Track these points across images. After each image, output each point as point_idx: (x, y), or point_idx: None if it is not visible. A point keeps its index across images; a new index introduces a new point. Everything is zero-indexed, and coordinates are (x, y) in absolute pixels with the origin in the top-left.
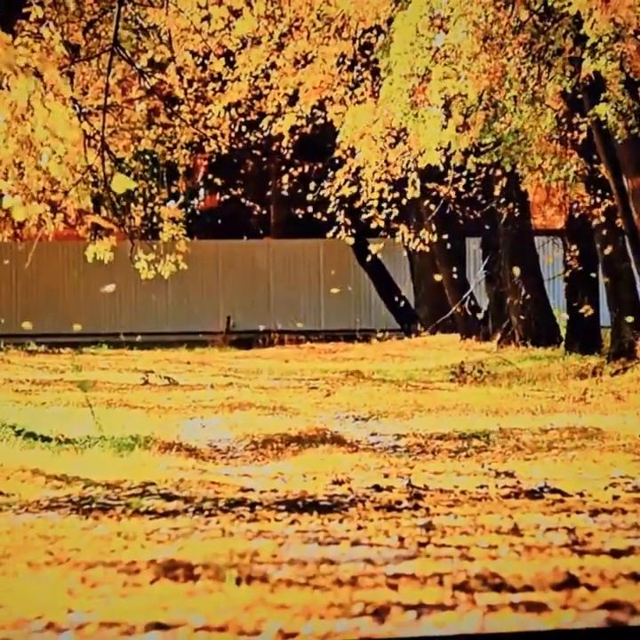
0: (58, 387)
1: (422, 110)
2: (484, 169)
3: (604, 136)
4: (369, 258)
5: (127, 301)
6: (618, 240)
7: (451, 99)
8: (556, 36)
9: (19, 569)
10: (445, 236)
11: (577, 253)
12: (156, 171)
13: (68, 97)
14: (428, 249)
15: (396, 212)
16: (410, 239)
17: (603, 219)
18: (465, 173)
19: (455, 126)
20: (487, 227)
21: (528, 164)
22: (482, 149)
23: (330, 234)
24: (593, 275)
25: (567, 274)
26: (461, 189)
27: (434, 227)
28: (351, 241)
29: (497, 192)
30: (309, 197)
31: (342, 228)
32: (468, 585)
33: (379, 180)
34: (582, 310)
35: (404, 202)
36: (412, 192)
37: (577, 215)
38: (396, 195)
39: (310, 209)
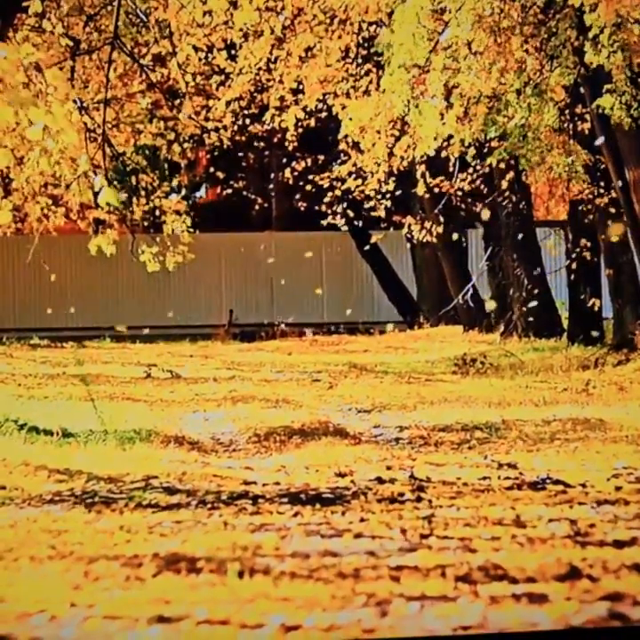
0: (60, 381)
1: (423, 102)
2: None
3: (606, 127)
4: (368, 247)
5: (129, 295)
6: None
7: (451, 89)
8: (558, 28)
9: (22, 563)
10: (448, 228)
11: (581, 245)
12: (157, 164)
13: (67, 95)
14: (434, 240)
15: (397, 203)
16: (415, 230)
17: (606, 210)
18: (471, 169)
19: (456, 118)
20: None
21: (534, 158)
22: (491, 146)
23: (325, 222)
24: (595, 266)
25: (572, 265)
26: (467, 186)
27: (441, 219)
28: (345, 228)
29: (504, 185)
30: (309, 188)
31: (338, 215)
32: (471, 577)
33: (382, 172)
34: (588, 303)
35: (406, 194)
36: (422, 186)
37: (579, 207)
38: (399, 186)
39: (313, 201)
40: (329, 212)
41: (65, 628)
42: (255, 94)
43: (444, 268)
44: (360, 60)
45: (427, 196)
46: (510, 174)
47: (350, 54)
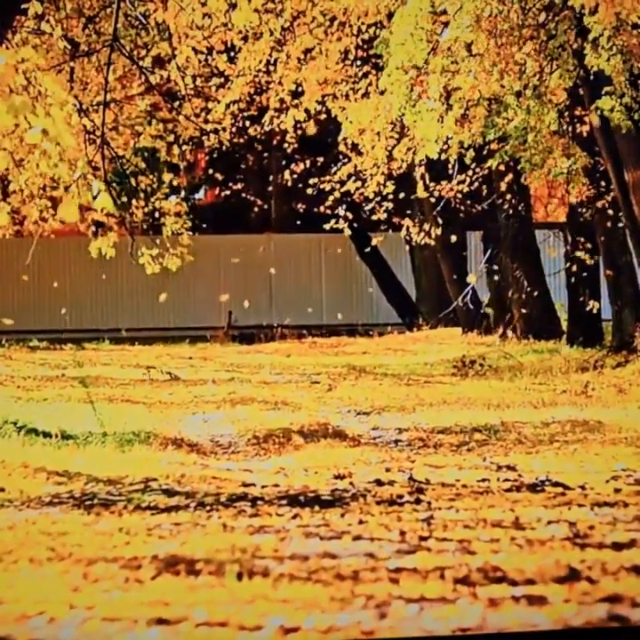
0: (59, 383)
1: (421, 103)
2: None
3: (605, 129)
4: (368, 249)
5: (128, 297)
6: (619, 233)
7: (451, 91)
8: (557, 30)
9: (21, 565)
10: (447, 230)
11: (582, 247)
12: (156, 166)
13: (65, 100)
14: (432, 242)
15: (397, 205)
16: (413, 233)
17: (605, 212)
18: (470, 172)
19: (454, 120)
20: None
21: (534, 160)
22: (490, 148)
23: (328, 226)
24: (594, 268)
25: (572, 268)
26: (466, 189)
27: (439, 220)
28: (348, 231)
29: (503, 187)
30: (310, 191)
31: (341, 219)
32: (470, 579)
33: (381, 174)
34: (588, 306)
35: (405, 196)
36: (421, 188)
37: (579, 209)
38: (398, 188)
39: (311, 203)
40: (329, 213)
41: (64, 629)
42: (254, 96)
43: (443, 269)
44: (359, 63)
45: (429, 198)
46: (509, 176)
47: (349, 56)
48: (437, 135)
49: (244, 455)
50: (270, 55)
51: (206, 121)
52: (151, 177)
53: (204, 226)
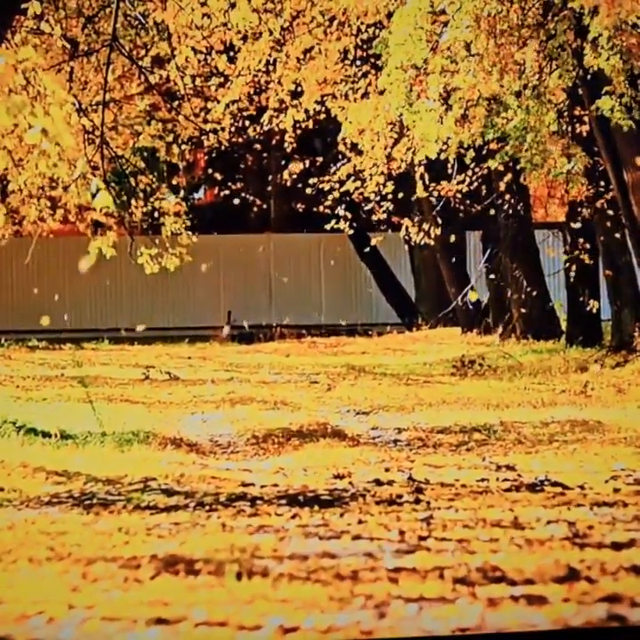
0: (59, 382)
1: (420, 103)
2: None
3: (604, 129)
4: (367, 249)
5: (128, 297)
6: (618, 233)
7: (450, 92)
8: (556, 30)
9: (20, 565)
10: (446, 230)
11: (581, 247)
12: (156, 166)
13: (64, 99)
14: (432, 242)
15: (396, 205)
16: (412, 233)
17: (605, 212)
18: (469, 172)
19: (454, 120)
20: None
21: (534, 160)
22: (489, 148)
23: (328, 226)
24: (594, 268)
25: (571, 268)
26: (466, 189)
27: (439, 220)
28: (349, 231)
29: (502, 187)
30: (309, 191)
31: (340, 219)
32: (469, 578)
33: (380, 174)
34: (587, 306)
35: (405, 196)
36: (421, 188)
37: (578, 209)
38: (398, 188)
39: (311, 203)
40: (329, 213)
41: (63, 629)
42: (254, 96)
43: (443, 269)
44: (358, 62)
45: (429, 198)
46: (508, 176)
47: (349, 56)
48: (437, 135)
49: (243, 455)
50: (269, 55)
51: (205, 121)
52: (150, 177)
53: (204, 225)
